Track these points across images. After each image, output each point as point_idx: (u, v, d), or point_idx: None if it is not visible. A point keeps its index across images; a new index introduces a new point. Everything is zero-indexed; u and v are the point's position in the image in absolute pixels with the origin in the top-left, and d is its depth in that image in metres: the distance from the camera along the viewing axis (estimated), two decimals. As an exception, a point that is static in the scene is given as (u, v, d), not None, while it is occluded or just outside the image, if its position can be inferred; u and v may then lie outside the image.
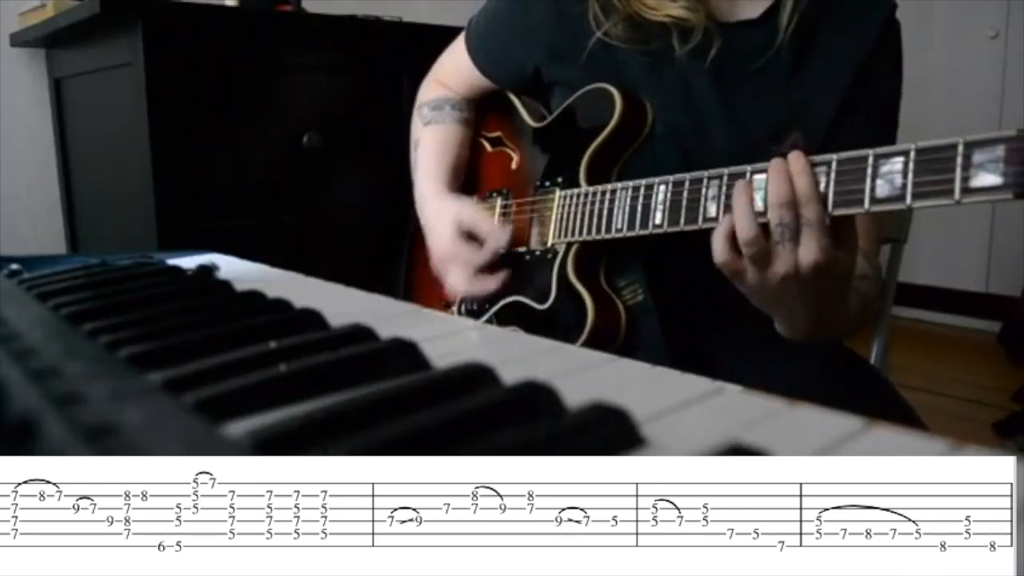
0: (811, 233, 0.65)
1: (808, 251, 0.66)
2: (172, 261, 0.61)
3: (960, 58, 3.09)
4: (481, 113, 1.10)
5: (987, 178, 0.56)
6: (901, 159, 0.61)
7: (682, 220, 0.75)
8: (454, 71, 1.07)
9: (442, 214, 0.99)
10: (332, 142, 1.57)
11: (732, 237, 0.69)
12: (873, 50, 0.87)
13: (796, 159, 0.66)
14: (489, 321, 0.98)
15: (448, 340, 0.42)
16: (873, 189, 0.62)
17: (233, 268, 0.62)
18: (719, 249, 0.70)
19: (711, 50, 0.84)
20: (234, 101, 1.48)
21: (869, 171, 0.62)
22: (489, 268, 0.95)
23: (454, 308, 1.04)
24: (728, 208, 0.70)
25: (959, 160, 0.57)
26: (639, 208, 0.80)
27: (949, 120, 2.98)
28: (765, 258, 0.68)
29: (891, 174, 0.61)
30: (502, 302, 0.97)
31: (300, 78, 1.56)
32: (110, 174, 1.66)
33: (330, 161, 1.58)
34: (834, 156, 0.65)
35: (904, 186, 0.60)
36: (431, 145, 1.06)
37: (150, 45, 1.37)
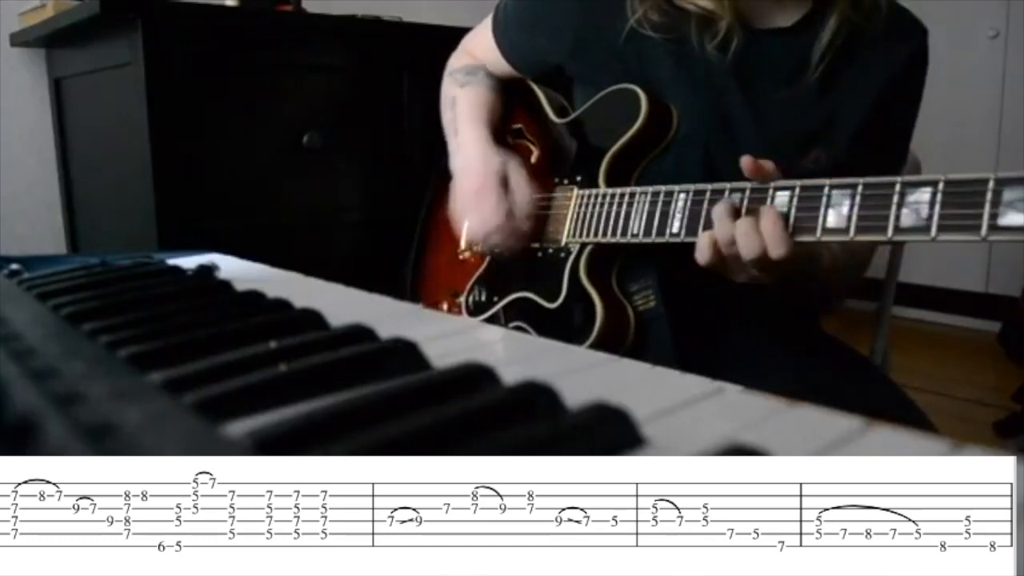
0: (781, 266, 0.69)
1: (779, 272, 0.70)
2: (172, 261, 0.61)
3: (960, 58, 3.09)
4: (504, 102, 1.09)
5: (1017, 217, 0.54)
6: (929, 189, 0.59)
7: (700, 230, 0.74)
8: (483, 51, 1.07)
9: (490, 161, 0.97)
10: (332, 142, 1.57)
11: (716, 242, 0.72)
12: (899, 75, 0.87)
13: (772, 222, 0.68)
14: (496, 315, 0.98)
15: (448, 340, 0.42)
16: (898, 218, 0.61)
17: (233, 268, 0.62)
18: (704, 250, 0.73)
19: (731, 50, 0.84)
20: (234, 101, 1.47)
21: (895, 199, 0.61)
22: (508, 229, 0.95)
23: (462, 299, 1.04)
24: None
25: (989, 196, 0.56)
26: (657, 214, 0.79)
27: (949, 121, 2.98)
28: (739, 262, 0.71)
29: (918, 204, 0.60)
30: (510, 296, 0.97)
31: (300, 78, 1.56)
32: (110, 174, 1.66)
33: (330, 161, 1.58)
34: (860, 180, 0.64)
35: (930, 217, 0.59)
36: (472, 100, 1.06)
37: (150, 45, 1.36)
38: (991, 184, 0.56)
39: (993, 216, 0.55)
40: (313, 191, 1.58)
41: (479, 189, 0.95)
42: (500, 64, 1.05)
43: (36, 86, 1.95)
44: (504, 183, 0.95)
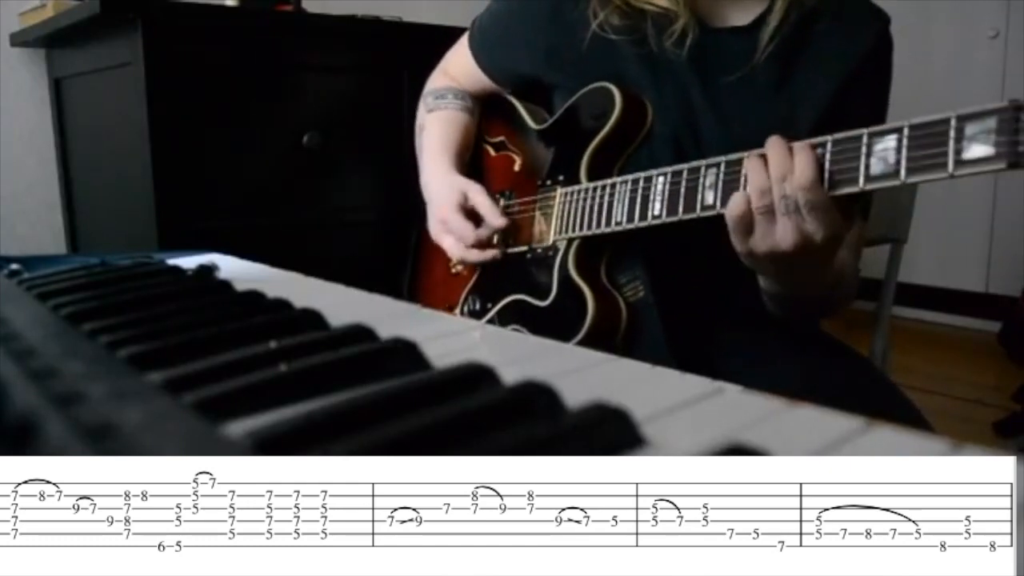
0: (817, 211, 0.67)
1: (816, 224, 0.67)
2: (172, 261, 0.61)
3: (960, 58, 3.09)
4: (484, 118, 1.11)
5: (980, 149, 0.56)
6: (895, 136, 0.61)
7: (680, 209, 0.76)
8: (460, 68, 1.09)
9: (450, 186, 0.99)
10: (332, 142, 1.57)
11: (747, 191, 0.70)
12: (861, 64, 0.87)
13: (800, 145, 0.67)
14: (491, 320, 0.99)
15: (448, 340, 0.42)
16: (868, 167, 0.63)
17: (233, 268, 0.62)
18: (737, 201, 0.70)
19: (686, 44, 0.86)
20: (234, 101, 1.48)
21: (864, 149, 0.63)
22: (483, 244, 0.97)
23: (457, 311, 1.05)
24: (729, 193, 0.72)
25: (952, 133, 0.57)
26: (638, 200, 0.80)
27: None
28: (772, 218, 0.69)
29: (885, 151, 0.62)
30: (504, 301, 0.97)
31: (300, 78, 1.56)
32: (110, 174, 1.66)
33: (330, 161, 1.58)
34: (829, 137, 0.66)
35: (898, 162, 0.61)
36: (437, 128, 1.07)
37: (150, 45, 1.36)
38: (953, 122, 0.58)
39: (958, 152, 0.57)
40: (313, 191, 1.58)
41: (442, 220, 0.99)
42: (478, 79, 1.06)
43: (36, 86, 1.95)
44: (466, 210, 0.97)
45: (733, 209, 0.70)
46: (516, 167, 1.03)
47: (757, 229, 0.70)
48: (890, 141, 0.62)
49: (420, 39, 1.60)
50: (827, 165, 0.66)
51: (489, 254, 0.97)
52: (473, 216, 0.97)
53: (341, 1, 1.87)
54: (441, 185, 1.01)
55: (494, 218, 0.95)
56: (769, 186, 0.68)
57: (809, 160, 0.66)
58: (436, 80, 1.13)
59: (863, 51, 0.87)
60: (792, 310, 0.85)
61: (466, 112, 1.08)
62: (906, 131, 0.61)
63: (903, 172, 0.61)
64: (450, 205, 0.97)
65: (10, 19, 1.88)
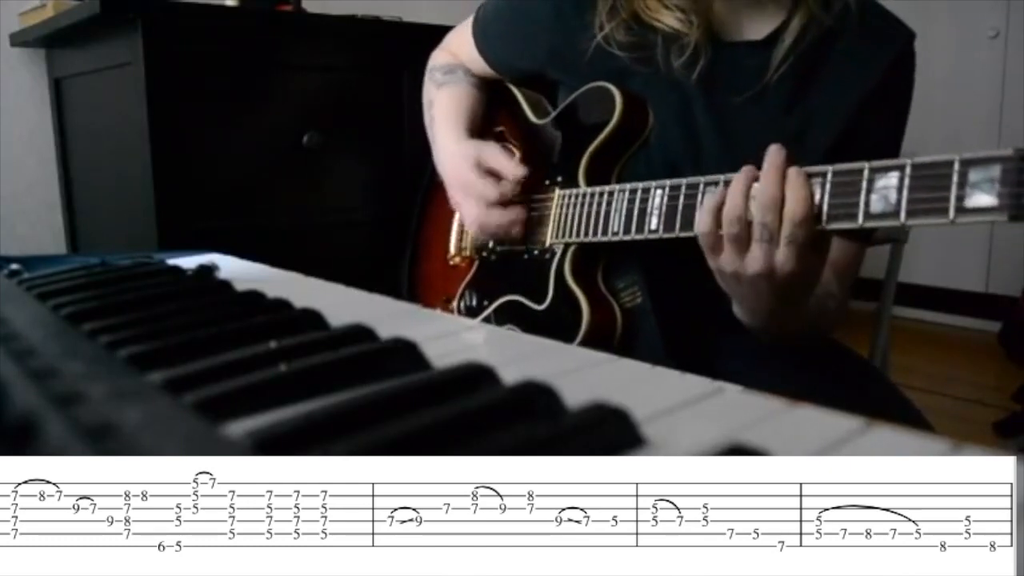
0: (794, 245, 0.65)
1: (787, 258, 0.65)
2: (172, 261, 0.61)
3: (960, 58, 3.09)
4: (487, 105, 1.09)
5: (982, 198, 0.54)
6: (896, 174, 0.59)
7: (677, 226, 0.75)
8: (464, 51, 1.08)
9: (463, 151, 0.97)
10: (332, 142, 1.57)
11: (719, 210, 0.68)
12: (881, 83, 0.84)
13: (796, 174, 0.65)
14: (487, 319, 0.98)
15: (448, 340, 0.42)
16: (868, 204, 0.61)
17: (233, 268, 0.62)
18: (704, 220, 0.69)
19: (697, 68, 0.84)
20: (234, 101, 1.48)
21: (864, 185, 0.61)
22: (504, 204, 0.94)
23: (454, 305, 1.04)
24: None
25: (955, 178, 0.55)
26: (635, 212, 0.79)
27: (949, 121, 2.98)
28: (742, 244, 0.68)
29: (886, 189, 0.60)
30: (500, 300, 0.97)
31: (300, 78, 1.56)
32: (110, 174, 1.66)
33: (330, 161, 1.58)
34: (830, 168, 0.64)
35: (899, 202, 0.59)
36: (447, 102, 1.06)
37: (150, 45, 1.36)
38: (956, 166, 0.56)
39: (960, 198, 0.55)
40: (313, 191, 1.58)
41: (462, 184, 0.96)
42: (481, 65, 1.05)
43: (36, 86, 1.95)
44: (482, 170, 0.94)
45: (699, 227, 0.70)
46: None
47: (725, 250, 0.69)
48: (892, 179, 0.60)
49: (420, 39, 1.60)
50: (826, 198, 0.64)
51: (512, 212, 0.93)
52: (491, 176, 0.94)
53: (341, 1, 1.87)
54: (454, 152, 0.99)
55: (513, 169, 0.92)
56: (742, 214, 0.66)
57: (806, 194, 0.64)
58: (440, 57, 1.12)
59: (883, 69, 0.84)
60: (773, 339, 0.83)
61: (475, 88, 1.07)
62: (908, 170, 0.59)
63: (903, 214, 0.59)
64: (467, 167, 0.95)
65: (10, 19, 1.87)
